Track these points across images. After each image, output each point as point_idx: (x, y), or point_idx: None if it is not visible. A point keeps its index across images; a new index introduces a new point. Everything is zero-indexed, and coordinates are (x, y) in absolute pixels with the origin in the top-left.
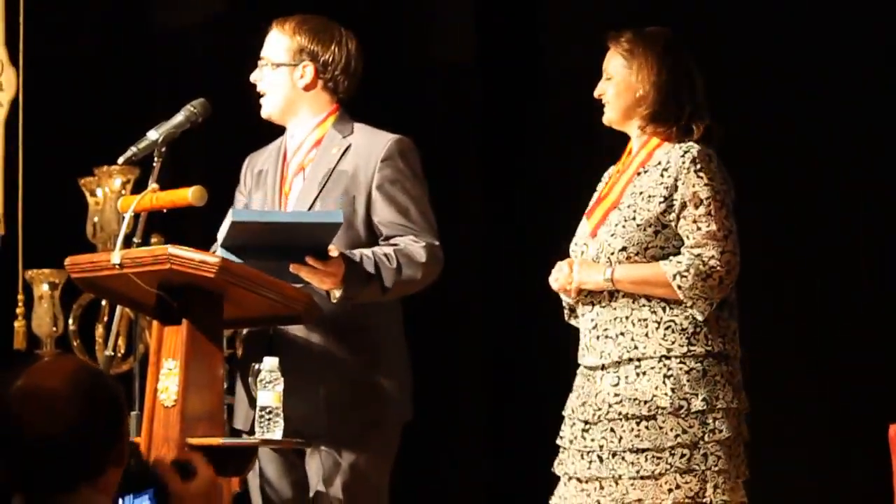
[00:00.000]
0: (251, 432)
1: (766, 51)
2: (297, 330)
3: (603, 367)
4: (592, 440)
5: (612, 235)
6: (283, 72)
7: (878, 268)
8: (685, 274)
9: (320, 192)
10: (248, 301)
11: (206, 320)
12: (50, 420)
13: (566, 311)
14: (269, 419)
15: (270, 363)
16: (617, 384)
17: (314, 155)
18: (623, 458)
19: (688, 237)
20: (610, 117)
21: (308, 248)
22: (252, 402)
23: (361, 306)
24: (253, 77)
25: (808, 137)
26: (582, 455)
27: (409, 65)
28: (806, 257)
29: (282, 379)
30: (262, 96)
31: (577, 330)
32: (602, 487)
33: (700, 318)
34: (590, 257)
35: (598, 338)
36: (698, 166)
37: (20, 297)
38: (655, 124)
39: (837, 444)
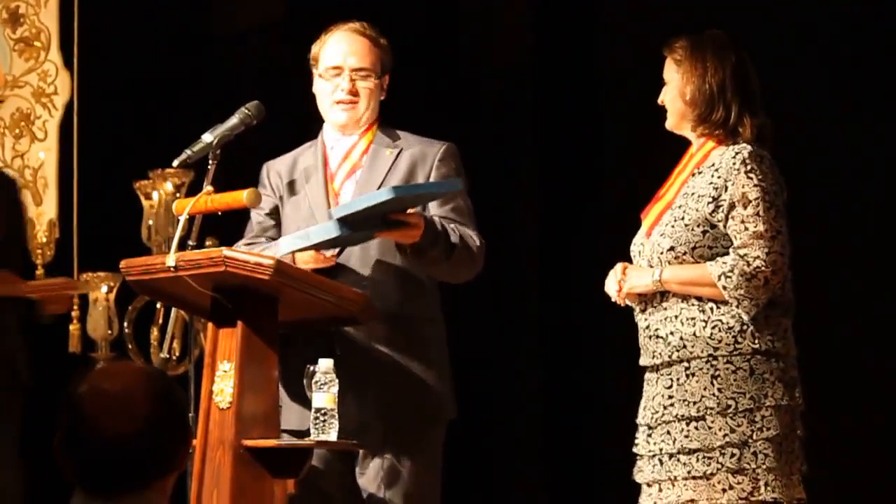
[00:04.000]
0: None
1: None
2: (349, 331)
3: (657, 369)
4: (654, 444)
5: (662, 235)
6: (374, 82)
7: None
8: (729, 274)
9: (380, 188)
10: (303, 303)
11: (261, 322)
12: (121, 419)
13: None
14: (325, 421)
15: (325, 365)
16: (670, 386)
17: (366, 160)
18: (678, 460)
19: (735, 237)
20: (669, 123)
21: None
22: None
23: (411, 307)
24: (356, 87)
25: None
26: (649, 459)
27: (465, 70)
28: (865, 254)
29: (336, 381)
30: (351, 102)
31: (631, 329)
32: (661, 490)
33: (746, 317)
34: (645, 257)
35: (650, 338)
36: (748, 167)
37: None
38: (704, 126)
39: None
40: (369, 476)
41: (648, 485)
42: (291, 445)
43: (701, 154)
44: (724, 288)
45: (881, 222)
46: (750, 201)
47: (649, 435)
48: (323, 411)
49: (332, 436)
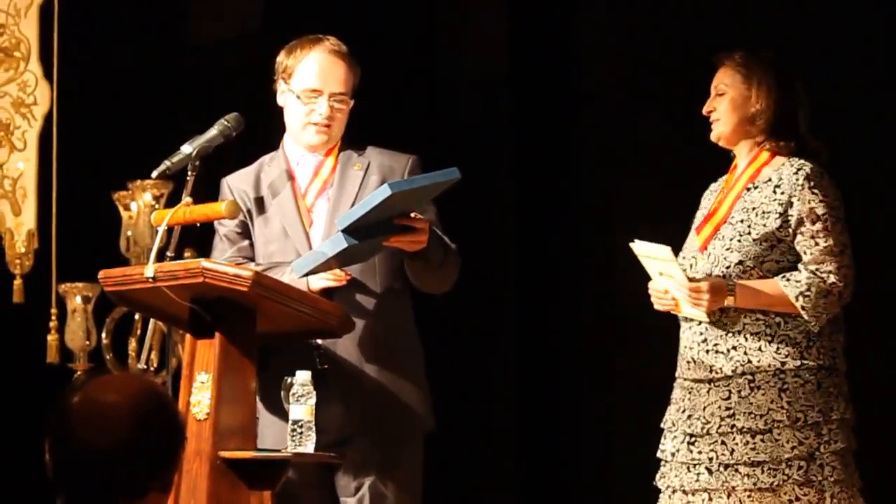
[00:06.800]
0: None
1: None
2: (330, 345)
3: (711, 381)
4: (700, 452)
5: (728, 250)
6: (348, 104)
7: None
8: (807, 294)
9: (353, 204)
10: (281, 315)
11: (239, 334)
12: (99, 431)
13: None
14: (302, 433)
15: (303, 377)
16: (728, 398)
17: (336, 177)
18: (737, 471)
19: (805, 253)
20: (721, 132)
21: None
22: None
23: (390, 320)
24: (334, 112)
25: None
26: (688, 468)
27: (441, 81)
28: None
29: (314, 392)
30: (328, 125)
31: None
32: (711, 499)
33: (816, 330)
34: (700, 271)
35: (707, 352)
36: (812, 183)
37: (54, 310)
38: (773, 140)
39: None
40: (349, 491)
41: (686, 492)
42: (268, 457)
43: (752, 169)
44: (804, 308)
45: None
46: (818, 217)
47: (691, 443)
48: (300, 423)
49: (308, 448)
